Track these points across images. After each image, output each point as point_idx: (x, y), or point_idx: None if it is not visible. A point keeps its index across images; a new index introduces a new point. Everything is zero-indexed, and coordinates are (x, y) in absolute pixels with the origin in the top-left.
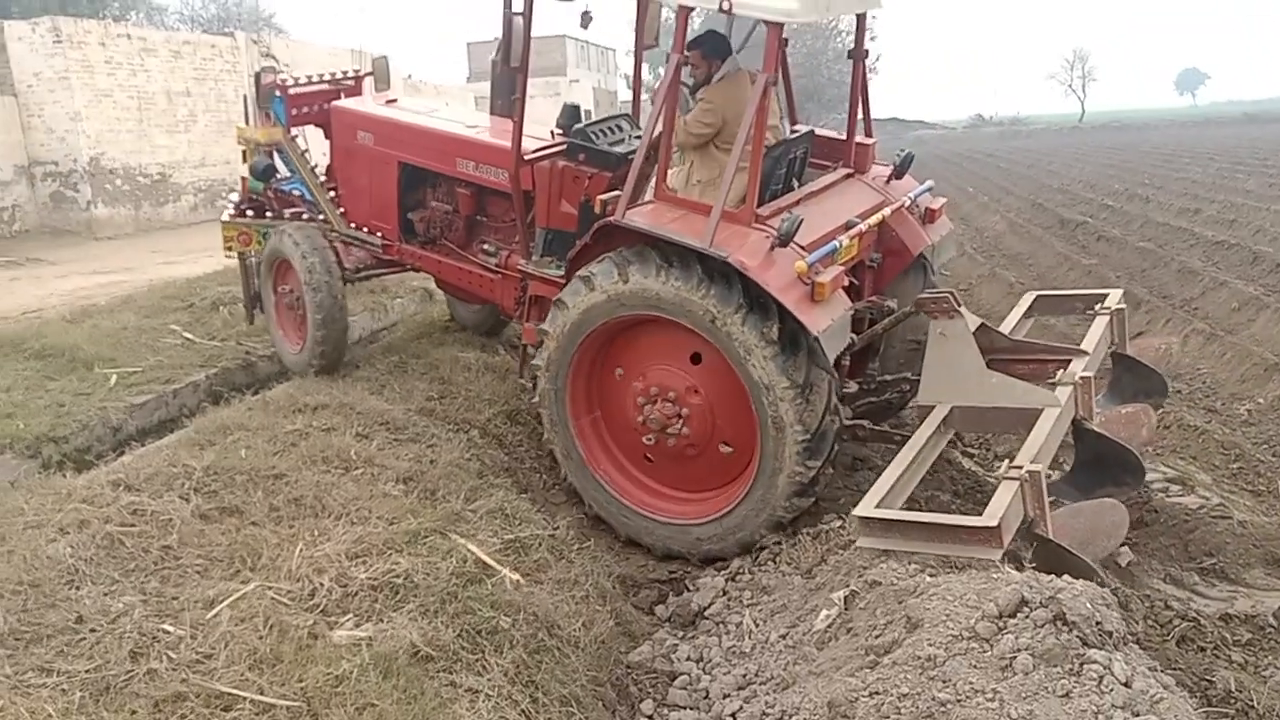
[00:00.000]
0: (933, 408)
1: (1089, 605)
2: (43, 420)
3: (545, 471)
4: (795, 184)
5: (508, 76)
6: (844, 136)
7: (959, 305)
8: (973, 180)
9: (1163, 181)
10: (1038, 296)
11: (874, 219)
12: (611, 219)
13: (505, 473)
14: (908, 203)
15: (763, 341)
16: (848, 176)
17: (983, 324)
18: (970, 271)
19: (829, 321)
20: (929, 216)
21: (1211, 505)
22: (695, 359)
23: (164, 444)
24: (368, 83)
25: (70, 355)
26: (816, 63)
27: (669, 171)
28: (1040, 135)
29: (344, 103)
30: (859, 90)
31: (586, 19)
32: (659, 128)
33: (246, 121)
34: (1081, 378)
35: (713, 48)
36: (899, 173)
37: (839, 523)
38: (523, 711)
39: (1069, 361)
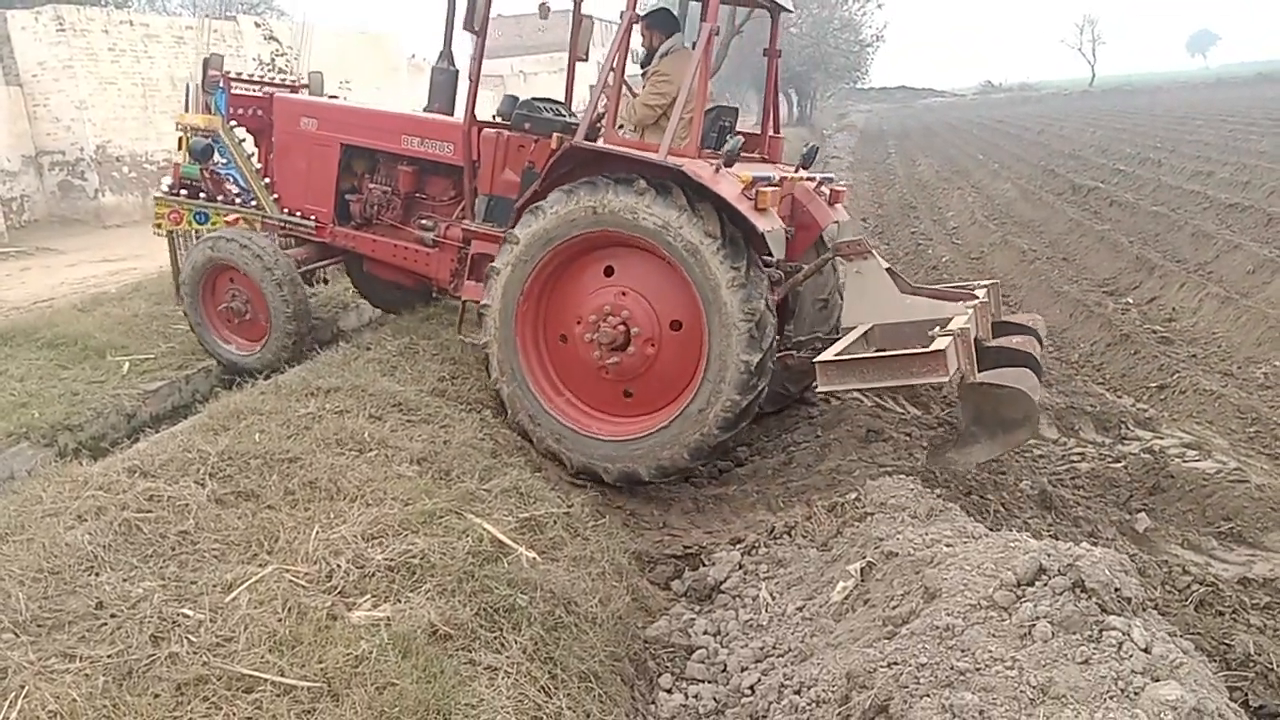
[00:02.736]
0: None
1: (1107, 572)
2: (57, 409)
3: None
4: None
5: (447, 81)
6: (773, 129)
7: (871, 249)
8: (983, 147)
9: (1175, 145)
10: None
11: (794, 175)
12: (572, 142)
13: (519, 451)
14: (818, 178)
15: (634, 193)
16: (764, 161)
17: (889, 268)
18: (982, 239)
19: (773, 226)
20: (834, 198)
21: (1229, 469)
22: (609, 271)
23: (178, 430)
24: (303, 94)
25: (83, 344)
26: (822, 32)
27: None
28: (1050, 101)
29: (287, 95)
30: (772, 88)
31: (545, 10)
32: (611, 76)
33: (186, 108)
34: (980, 302)
35: (661, 23)
36: (805, 163)
37: (854, 495)
38: (542, 688)
39: (965, 300)
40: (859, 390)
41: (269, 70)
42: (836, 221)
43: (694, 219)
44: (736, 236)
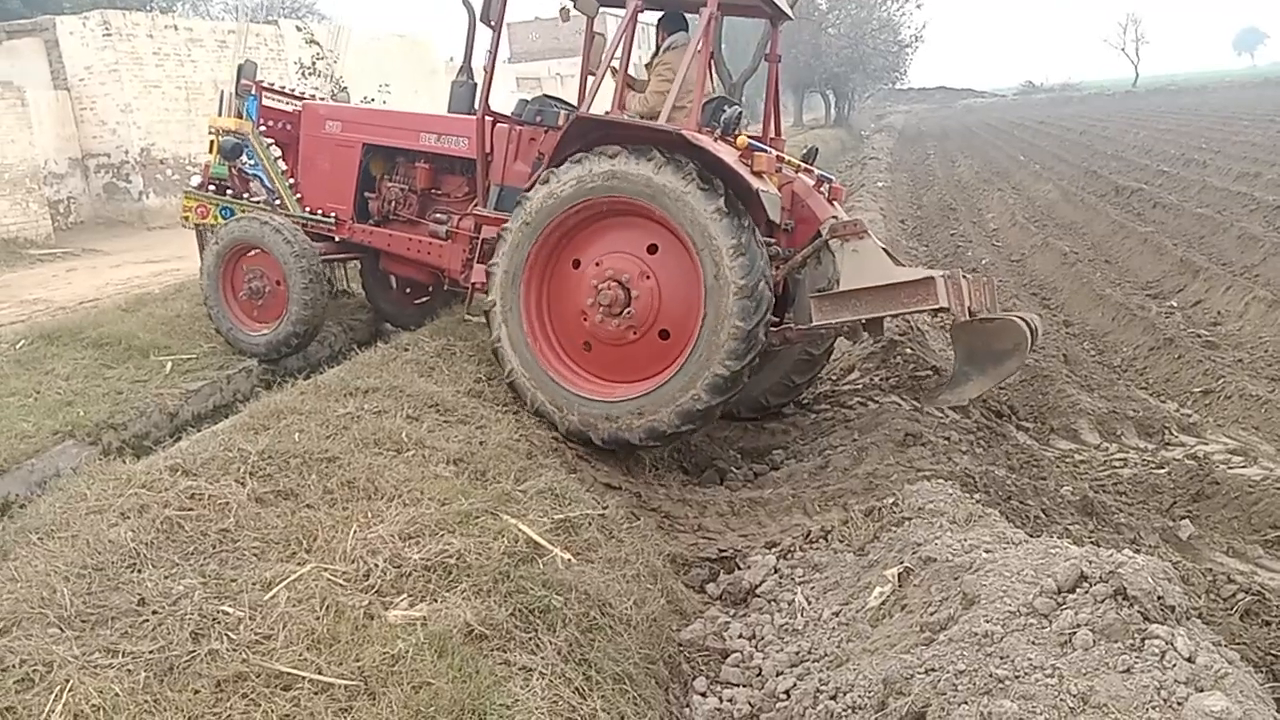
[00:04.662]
0: None
1: (1150, 579)
2: (102, 408)
3: (594, 451)
4: None
5: (466, 93)
6: (774, 132)
7: (866, 229)
8: (1024, 148)
9: (1220, 145)
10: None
11: (793, 160)
12: (579, 113)
13: (554, 453)
14: (817, 174)
15: (550, 176)
16: None
17: (885, 248)
18: (1023, 241)
19: (768, 188)
20: (833, 195)
21: (1275, 476)
22: (576, 264)
23: (219, 429)
24: None
25: (127, 343)
26: (860, 33)
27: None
28: (1093, 101)
29: (314, 103)
30: (772, 93)
31: (565, 13)
32: (619, 52)
33: (220, 113)
34: (979, 276)
35: (667, 22)
36: (806, 162)
37: (891, 500)
38: (576, 689)
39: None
40: (853, 321)
41: (309, 72)
42: (835, 217)
43: (601, 159)
44: (640, 149)
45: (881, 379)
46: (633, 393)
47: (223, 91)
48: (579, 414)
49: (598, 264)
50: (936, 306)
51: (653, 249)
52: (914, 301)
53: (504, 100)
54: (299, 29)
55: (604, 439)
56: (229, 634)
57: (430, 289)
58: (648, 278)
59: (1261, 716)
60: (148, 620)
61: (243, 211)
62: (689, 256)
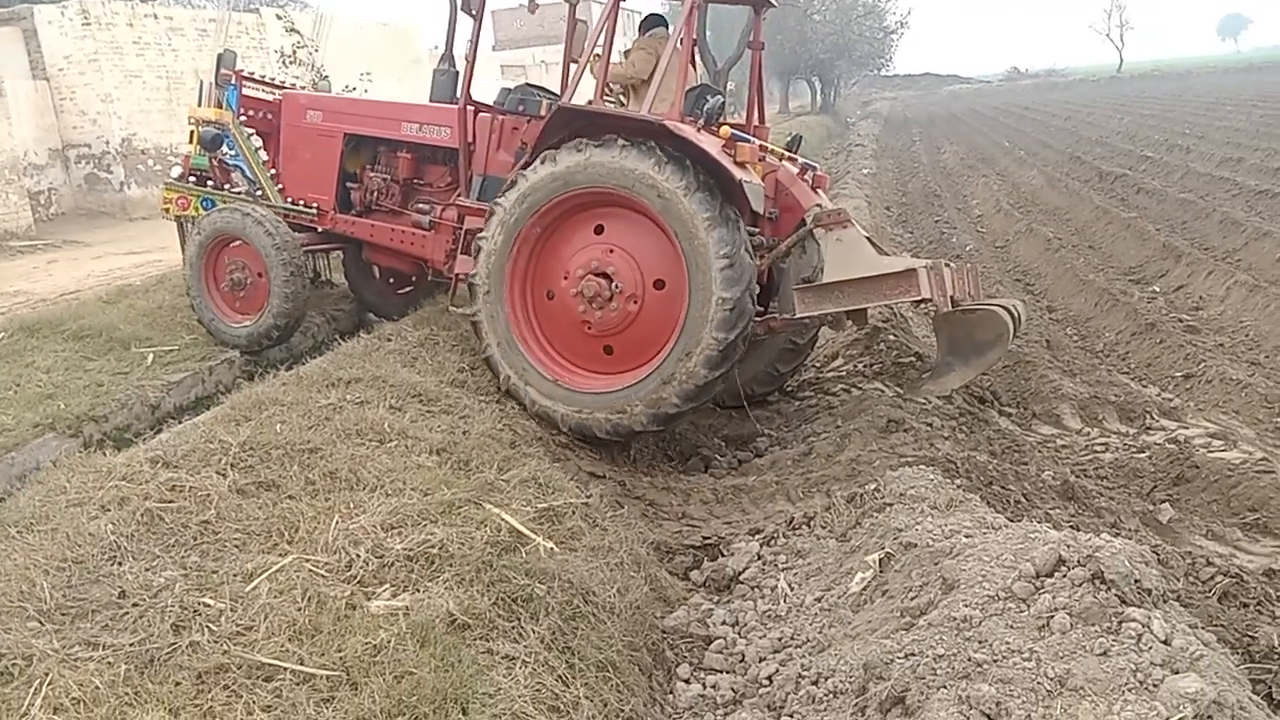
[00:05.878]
0: None
1: (1127, 563)
2: (83, 400)
3: (577, 440)
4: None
5: (448, 81)
6: (758, 119)
7: (850, 218)
8: (1009, 134)
9: (1204, 131)
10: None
11: (777, 149)
12: (561, 103)
13: (537, 442)
14: (801, 163)
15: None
16: None
17: (869, 236)
18: (1007, 228)
19: (751, 179)
20: (817, 183)
21: (1254, 460)
22: (550, 295)
23: (201, 420)
24: None
25: (108, 335)
26: (846, 19)
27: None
28: (1077, 87)
29: (295, 92)
30: (756, 79)
31: (533, 5)
32: (601, 40)
33: (200, 103)
34: (963, 263)
35: (650, 20)
36: (790, 149)
37: (874, 486)
38: (559, 677)
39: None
40: (836, 312)
41: (290, 61)
42: (819, 205)
43: (506, 194)
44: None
45: (865, 366)
46: (670, 346)
47: (202, 81)
48: (641, 400)
49: (565, 277)
50: (919, 298)
51: (599, 229)
52: (896, 293)
53: (489, 89)
54: (280, 17)
55: (677, 402)
56: (210, 626)
57: (413, 279)
58: (612, 251)
59: (1236, 697)
60: (128, 613)
61: (224, 203)
62: (628, 205)
